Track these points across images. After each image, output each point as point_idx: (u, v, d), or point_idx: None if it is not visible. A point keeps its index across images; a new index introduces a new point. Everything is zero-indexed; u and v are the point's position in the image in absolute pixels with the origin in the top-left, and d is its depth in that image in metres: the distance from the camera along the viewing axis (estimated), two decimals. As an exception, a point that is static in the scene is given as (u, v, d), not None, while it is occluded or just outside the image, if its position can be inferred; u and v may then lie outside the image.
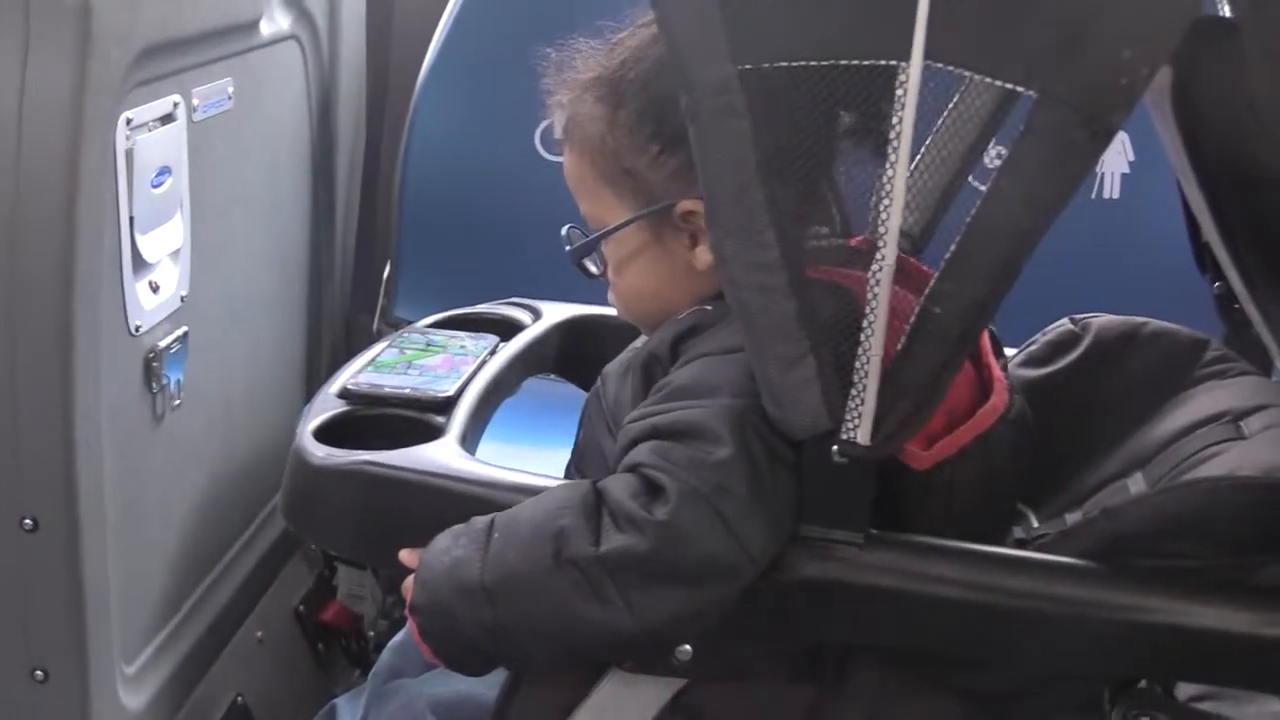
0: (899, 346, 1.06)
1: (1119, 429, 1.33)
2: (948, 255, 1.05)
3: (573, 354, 1.55)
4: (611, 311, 1.35)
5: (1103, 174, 1.97)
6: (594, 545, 1.07)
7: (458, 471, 1.21)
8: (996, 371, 1.24)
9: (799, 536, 1.11)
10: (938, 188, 1.29)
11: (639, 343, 1.31)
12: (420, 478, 1.20)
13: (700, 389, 1.13)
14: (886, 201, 1.04)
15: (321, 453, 1.25)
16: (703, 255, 1.21)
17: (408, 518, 1.20)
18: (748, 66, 1.03)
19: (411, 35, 2.22)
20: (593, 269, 1.29)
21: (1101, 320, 1.38)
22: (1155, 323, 1.37)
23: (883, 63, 1.01)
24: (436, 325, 1.54)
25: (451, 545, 1.13)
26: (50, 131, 1.37)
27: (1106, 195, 1.98)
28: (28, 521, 1.43)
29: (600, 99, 1.23)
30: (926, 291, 1.06)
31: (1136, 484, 1.26)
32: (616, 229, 1.24)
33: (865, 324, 1.06)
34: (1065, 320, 1.40)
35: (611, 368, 1.31)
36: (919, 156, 1.22)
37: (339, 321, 2.14)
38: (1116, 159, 1.97)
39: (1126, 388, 1.34)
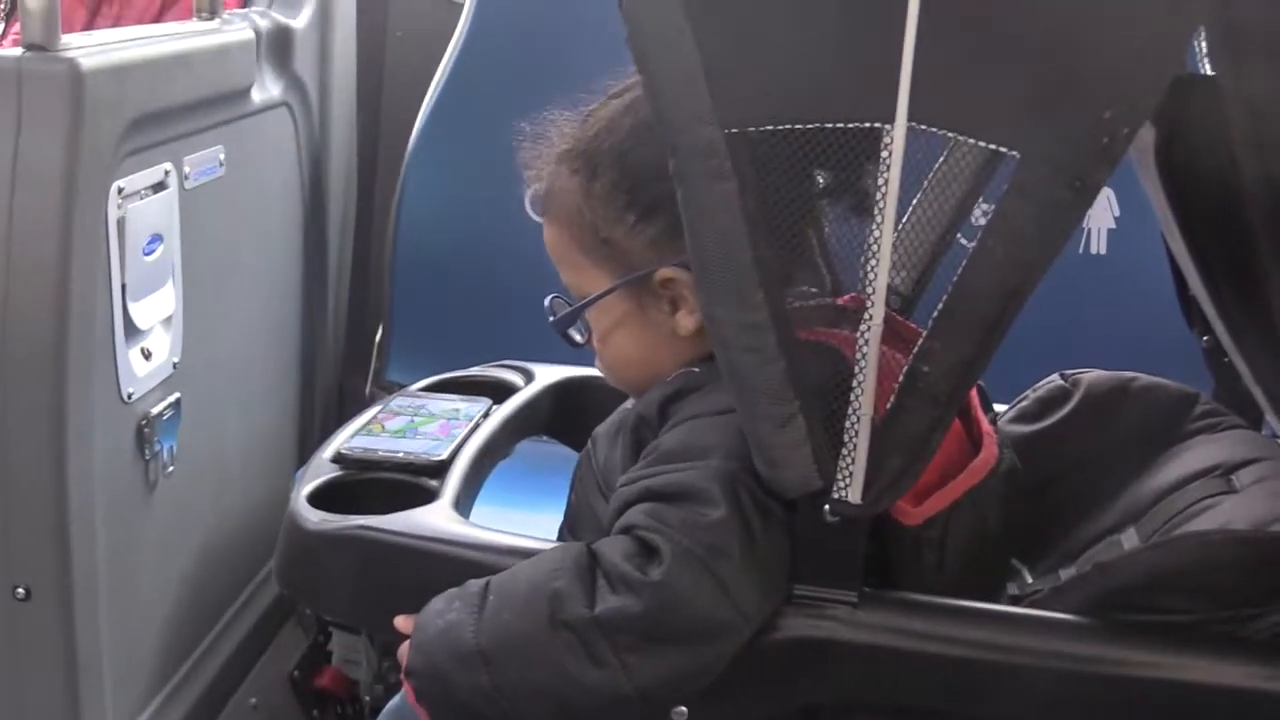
0: (889, 405, 1.07)
1: (1111, 483, 1.33)
2: (935, 314, 1.06)
3: (565, 416, 1.55)
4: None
5: (1090, 230, 1.96)
6: (589, 607, 1.07)
7: (452, 535, 1.21)
8: (986, 426, 1.24)
9: (793, 596, 1.11)
10: (927, 246, 1.29)
11: (629, 404, 1.31)
12: (415, 542, 1.21)
13: (691, 451, 1.13)
14: (874, 261, 1.05)
15: (316, 518, 1.25)
16: (684, 321, 1.22)
17: (403, 582, 1.20)
18: (734, 130, 1.03)
19: (402, 100, 2.23)
20: (578, 338, 1.29)
21: (1091, 376, 1.38)
22: (1145, 377, 1.38)
23: (867, 125, 1.02)
24: (429, 389, 1.54)
25: (446, 609, 1.13)
26: (43, 201, 1.37)
27: (1094, 251, 1.98)
28: (20, 591, 1.42)
29: (575, 171, 1.24)
30: (915, 350, 1.06)
31: (1130, 539, 1.27)
32: (597, 299, 1.24)
33: (855, 383, 1.06)
34: (1056, 376, 1.40)
35: (602, 429, 1.31)
36: (907, 215, 1.22)
37: (332, 386, 2.14)
38: (1103, 214, 1.97)
39: (1118, 442, 1.35)
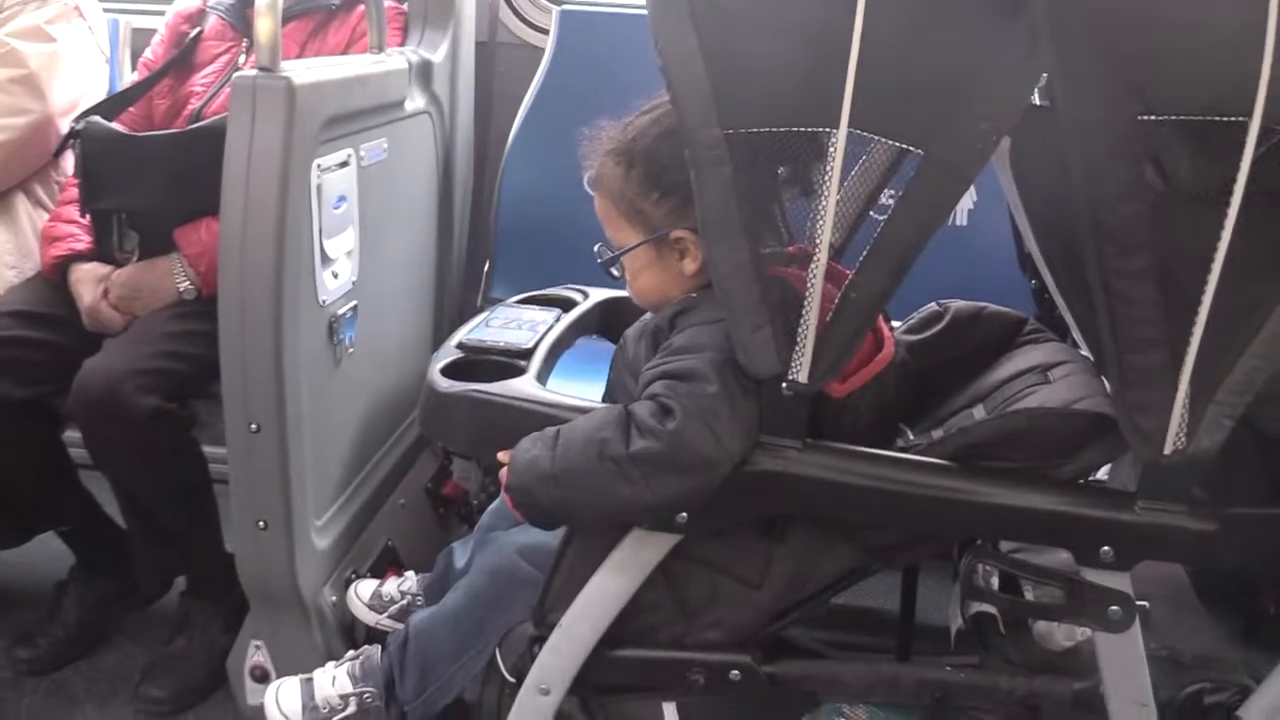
0: (827, 319, 1.04)
1: (967, 376, 1.31)
2: (861, 259, 1.03)
3: (609, 322, 1.52)
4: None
5: (957, 210, 1.93)
6: (625, 447, 1.06)
7: (534, 396, 1.19)
8: (887, 332, 1.22)
9: (760, 443, 1.09)
10: (852, 214, 1.24)
11: (647, 317, 1.29)
12: (509, 401, 1.19)
13: (693, 347, 1.11)
14: (820, 224, 1.02)
15: (445, 384, 1.23)
16: (689, 266, 1.20)
17: (502, 428, 1.18)
18: (730, 131, 1.00)
19: (504, 112, 2.18)
20: (615, 273, 1.27)
21: (957, 304, 1.35)
22: (992, 306, 1.35)
23: (821, 129, 0.99)
24: (519, 302, 1.52)
25: (531, 446, 1.11)
26: (268, 172, 1.37)
27: (959, 224, 1.95)
28: (253, 425, 1.43)
29: (618, 163, 1.21)
30: (847, 282, 1.03)
31: (979, 412, 1.25)
32: (630, 250, 1.22)
33: (805, 305, 1.03)
34: (933, 304, 1.37)
35: (630, 332, 1.28)
36: (840, 192, 1.18)
37: (455, 300, 2.11)
38: (965, 200, 1.94)
39: (972, 348, 1.32)
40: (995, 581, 1.23)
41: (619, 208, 1.22)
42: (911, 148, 0.99)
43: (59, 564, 1.86)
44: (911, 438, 1.29)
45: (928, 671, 1.19)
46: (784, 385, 1.06)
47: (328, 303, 1.52)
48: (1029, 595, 1.19)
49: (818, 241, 1.02)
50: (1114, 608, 1.09)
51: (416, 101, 1.82)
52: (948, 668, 1.19)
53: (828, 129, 0.98)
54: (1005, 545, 1.23)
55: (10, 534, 1.79)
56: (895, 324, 1.35)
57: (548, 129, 2.10)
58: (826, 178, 1.00)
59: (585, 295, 1.55)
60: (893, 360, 1.19)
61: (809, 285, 1.03)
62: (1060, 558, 1.15)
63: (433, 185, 1.96)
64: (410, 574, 1.57)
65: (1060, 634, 1.21)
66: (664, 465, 1.05)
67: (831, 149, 0.99)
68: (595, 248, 1.27)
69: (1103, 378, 1.17)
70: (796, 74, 0.99)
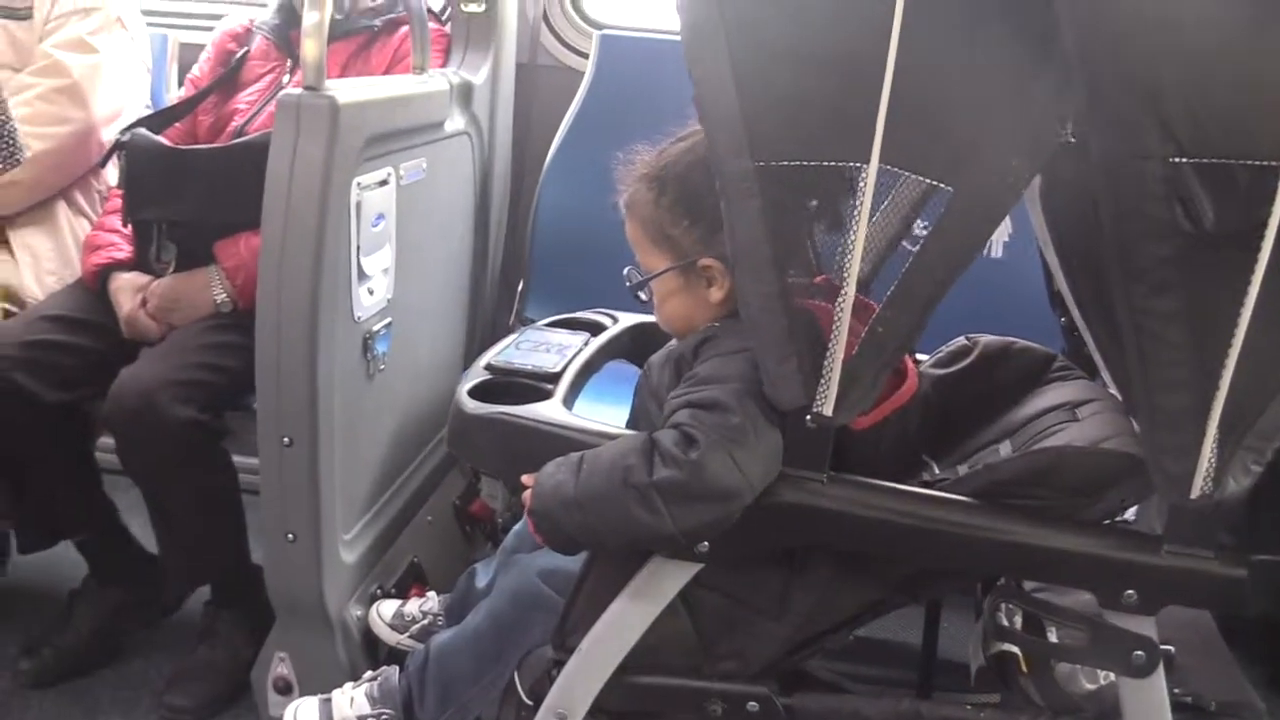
0: (854, 353, 1.04)
1: (994, 411, 1.29)
2: (889, 293, 1.03)
3: (637, 347, 1.51)
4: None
5: (992, 241, 1.93)
6: (649, 475, 1.06)
7: (560, 422, 1.19)
8: (910, 365, 1.21)
9: (782, 474, 1.09)
10: (881, 248, 1.23)
11: (673, 344, 1.29)
12: (536, 424, 1.19)
13: (718, 377, 1.11)
14: (848, 257, 1.02)
15: (472, 405, 1.23)
16: (715, 294, 1.20)
17: (527, 451, 1.18)
18: (761, 163, 1.00)
19: (541, 135, 2.20)
20: (643, 298, 1.28)
21: (986, 339, 1.34)
22: (1021, 342, 1.33)
23: (851, 164, 0.99)
24: (550, 324, 1.52)
25: (555, 471, 1.11)
26: (309, 188, 1.38)
27: (993, 256, 1.94)
28: (286, 439, 1.44)
29: (650, 188, 1.22)
30: (874, 316, 1.03)
31: (1006, 449, 1.23)
32: (658, 275, 1.23)
33: (831, 338, 1.03)
34: (961, 338, 1.36)
35: (655, 359, 1.28)
36: (869, 226, 1.18)
37: (488, 319, 2.12)
38: (1001, 231, 1.93)
39: (1001, 384, 1.31)
40: (1018, 621, 1.22)
41: (648, 233, 1.22)
42: (941, 184, 0.99)
43: (75, 572, 1.85)
44: (937, 472, 1.28)
45: (949, 709, 1.17)
46: (808, 418, 1.06)
47: (363, 318, 1.53)
48: (1052, 636, 1.18)
49: (845, 275, 1.02)
50: (1138, 652, 1.08)
51: (456, 122, 1.84)
52: (969, 705, 1.18)
53: (858, 163, 0.98)
54: (1029, 584, 1.22)
55: (37, 537, 1.80)
56: (923, 357, 1.34)
57: (585, 152, 2.11)
58: (856, 212, 1.00)
59: (614, 320, 1.55)
60: (916, 394, 1.19)
61: (835, 319, 1.02)
62: (1084, 599, 1.13)
63: (470, 205, 1.98)
64: (432, 594, 1.58)
65: (1083, 676, 1.19)
66: (686, 494, 1.05)
67: (861, 184, 0.99)
68: (624, 271, 1.28)
69: (1131, 418, 1.16)
70: (828, 107, 0.99)
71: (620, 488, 1.07)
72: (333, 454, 1.48)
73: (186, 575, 1.77)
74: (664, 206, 1.20)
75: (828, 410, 1.05)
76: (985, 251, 1.93)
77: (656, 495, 1.05)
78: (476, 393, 1.27)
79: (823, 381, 1.04)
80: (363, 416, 1.58)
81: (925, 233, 1.03)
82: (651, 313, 1.30)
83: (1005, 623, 1.21)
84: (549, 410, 1.22)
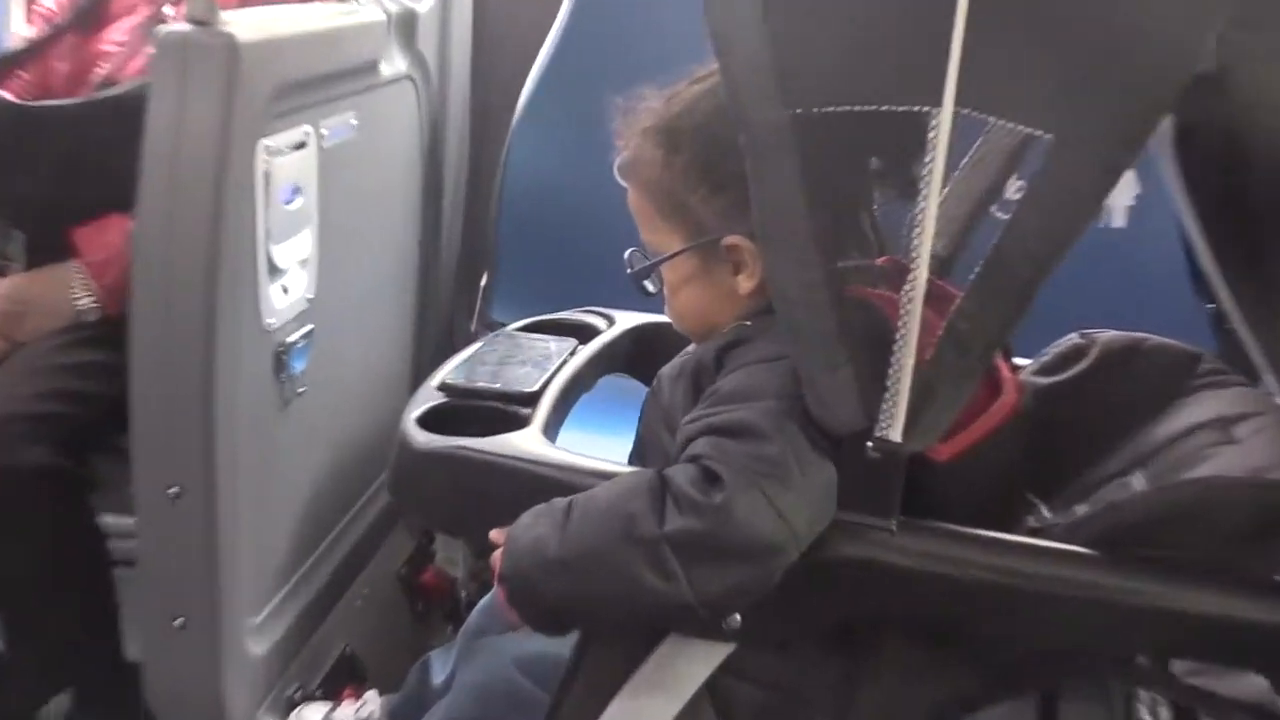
0: (929, 357, 1.05)
1: (1122, 431, 1.30)
2: (973, 278, 1.04)
3: (640, 356, 1.54)
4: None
5: (1111, 206, 1.93)
6: (659, 526, 1.07)
7: (539, 457, 1.21)
8: (1007, 372, 1.22)
9: (837, 521, 1.10)
10: (963, 216, 1.28)
11: (690, 349, 1.30)
12: (507, 462, 1.20)
13: (748, 393, 1.12)
14: (918, 230, 1.03)
15: (423, 438, 1.25)
16: (744, 283, 1.21)
17: (495, 497, 1.19)
18: (798, 110, 1.01)
19: (510, 77, 2.21)
20: (650, 288, 1.29)
21: (1107, 335, 1.36)
22: (1155, 338, 1.35)
23: (916, 109, 1.00)
24: (526, 328, 1.54)
25: (534, 523, 1.12)
26: (201, 155, 1.39)
27: (1113, 225, 1.94)
28: (173, 490, 1.44)
29: (658, 145, 1.23)
30: (954, 309, 1.04)
31: (1138, 481, 1.24)
32: (670, 257, 1.24)
33: (898, 337, 1.04)
34: (1075, 335, 1.38)
35: (666, 371, 1.30)
36: (948, 187, 1.19)
37: (442, 323, 2.14)
38: (1123, 192, 1.93)
39: (1129, 394, 1.32)
40: (1165, 716, 1.23)
41: (657, 203, 1.24)
42: (1038, 131, 1.00)
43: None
44: (1047, 515, 1.29)
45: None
46: (869, 445, 1.07)
47: (275, 327, 1.54)
48: (1210, 735, 1.19)
49: (915, 253, 1.03)
50: (1328, 755, 1.09)
51: (396, 64, 1.85)
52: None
53: (926, 107, 0.99)
54: (1177, 665, 1.22)
55: None
56: (1022, 361, 1.35)
57: (567, 101, 2.12)
58: (927, 170, 1.01)
59: (611, 321, 1.57)
60: (1016, 411, 1.20)
61: (903, 311, 1.03)
62: (1254, 685, 1.14)
63: (416, 173, 1.99)
64: (372, 695, 1.58)
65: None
66: (709, 550, 1.06)
67: (933, 134, 1.00)
68: (626, 254, 1.29)
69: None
70: (884, 35, 1.00)
71: (621, 543, 1.08)
72: (236, 509, 1.48)
73: (39, 678, 1.76)
74: (677, 168, 1.22)
75: (895, 434, 1.06)
76: (1102, 219, 1.94)
77: (669, 552, 1.06)
78: (428, 421, 1.29)
79: (888, 395, 1.05)
80: (276, 458, 1.59)
81: (1021, 196, 1.04)
82: (661, 310, 1.31)
83: (1148, 719, 1.22)
84: (524, 442, 1.23)
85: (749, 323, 1.20)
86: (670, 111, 1.23)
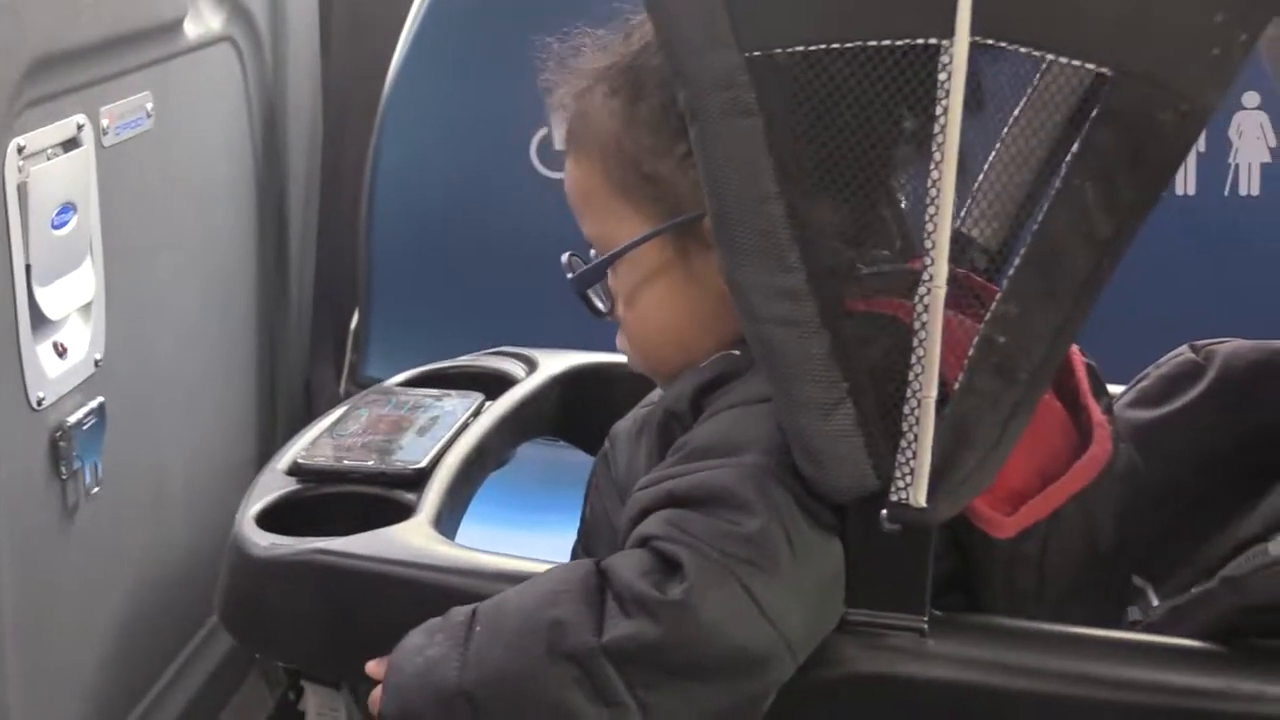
0: (957, 385, 1.09)
1: (1256, 480, 1.32)
2: (1011, 272, 1.08)
3: (576, 412, 1.57)
4: (622, 359, 1.36)
5: (1237, 165, 1.92)
6: (596, 634, 1.09)
7: (430, 558, 1.23)
8: (1097, 415, 1.25)
9: (847, 622, 1.13)
10: (1020, 190, 1.29)
11: (655, 396, 1.33)
12: (384, 567, 1.23)
13: (725, 447, 1.15)
14: (933, 209, 1.06)
15: (265, 542, 1.27)
16: None
17: (372, 616, 1.22)
18: (756, 53, 1.05)
19: (376, 31, 2.24)
20: (599, 306, 1.31)
21: (1229, 347, 1.38)
22: (1299, 349, 1.37)
23: (920, 41, 1.04)
24: (410, 383, 1.57)
25: (425, 644, 1.15)
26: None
27: (1243, 192, 1.93)
28: (-91, 643, 1.44)
29: (615, 91, 1.26)
30: (987, 317, 1.08)
31: (1278, 547, 1.26)
32: (633, 245, 1.26)
33: (914, 360, 1.07)
34: (1185, 348, 1.40)
35: (622, 426, 1.33)
36: (994, 153, 1.23)
37: (296, 384, 2.15)
38: (1255, 146, 1.93)
39: (1264, 428, 1.35)
40: None
41: (615, 174, 1.27)
42: (1087, 63, 1.05)
43: None
44: (1156, 604, 1.33)
45: None
46: (884, 514, 1.10)
47: (47, 403, 1.54)
48: None
49: (929, 240, 1.07)
50: None
51: (207, 22, 1.87)
52: None
53: (932, 39, 1.04)
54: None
55: None
56: (1115, 390, 1.39)
57: (461, 58, 2.16)
58: (940, 125, 1.05)
59: (532, 365, 1.60)
60: (1110, 464, 1.23)
61: (916, 321, 1.07)
62: None
63: (246, 174, 2.01)
64: None
65: None
66: (666, 666, 1.08)
67: (944, 75, 1.04)
68: (564, 258, 1.32)
69: None
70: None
71: (544, 662, 1.10)
72: (1, 670, 1.47)
73: None
74: (642, 121, 1.25)
75: (917, 497, 1.09)
76: (1225, 183, 1.91)
77: (612, 670, 1.08)
78: (273, 518, 1.32)
79: (904, 445, 1.09)
80: (60, 590, 1.59)
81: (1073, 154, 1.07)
82: (603, 345, 1.35)
83: None
84: (408, 537, 1.26)
85: (738, 351, 1.23)
86: (630, 48, 1.27)
